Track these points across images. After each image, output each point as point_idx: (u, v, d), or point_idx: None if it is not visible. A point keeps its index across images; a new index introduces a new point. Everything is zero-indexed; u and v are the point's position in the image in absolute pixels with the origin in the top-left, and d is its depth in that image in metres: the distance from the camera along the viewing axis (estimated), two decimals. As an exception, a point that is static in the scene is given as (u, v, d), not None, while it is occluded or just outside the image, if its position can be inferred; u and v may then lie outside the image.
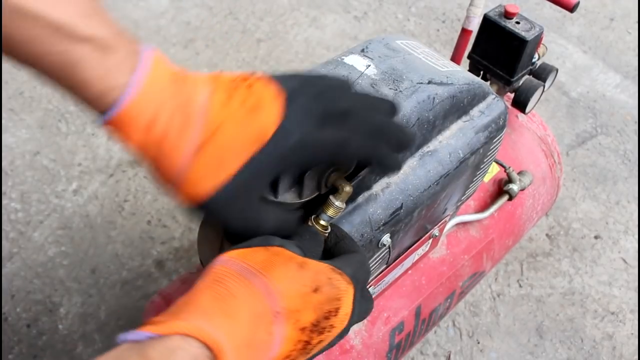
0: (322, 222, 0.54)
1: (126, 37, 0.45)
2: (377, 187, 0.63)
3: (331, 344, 0.50)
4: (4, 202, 1.50)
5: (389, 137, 0.50)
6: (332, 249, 0.55)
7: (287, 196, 0.54)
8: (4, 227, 1.45)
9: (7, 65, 1.79)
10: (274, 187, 0.53)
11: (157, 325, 0.41)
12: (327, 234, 0.55)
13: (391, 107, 0.53)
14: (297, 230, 0.53)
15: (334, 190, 0.55)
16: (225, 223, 0.50)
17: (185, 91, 0.45)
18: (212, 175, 0.46)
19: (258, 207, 0.50)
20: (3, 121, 1.66)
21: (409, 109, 0.61)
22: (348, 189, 0.54)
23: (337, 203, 0.54)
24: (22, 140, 1.63)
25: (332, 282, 0.48)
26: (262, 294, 0.44)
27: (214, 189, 0.46)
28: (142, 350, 0.39)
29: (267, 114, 0.46)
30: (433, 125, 0.66)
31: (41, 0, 0.40)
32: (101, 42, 0.42)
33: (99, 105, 0.44)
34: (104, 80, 0.42)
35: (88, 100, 0.44)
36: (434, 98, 0.64)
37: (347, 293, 0.49)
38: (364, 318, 0.53)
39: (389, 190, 0.64)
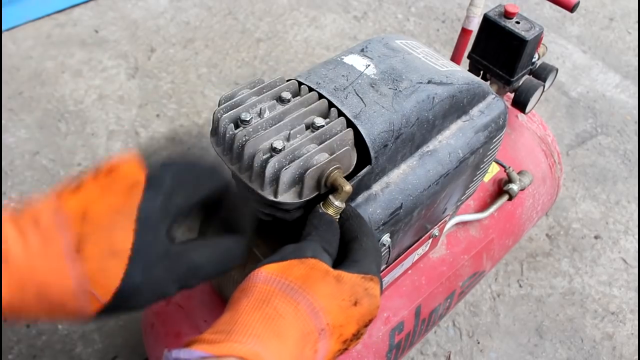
0: (333, 209, 0.54)
1: None
2: (376, 187, 0.63)
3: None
4: (3, 202, 1.50)
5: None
6: (341, 228, 0.55)
7: (287, 196, 0.54)
8: (3, 227, 1.45)
9: (7, 65, 1.79)
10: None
11: (212, 345, 0.40)
12: (338, 218, 0.55)
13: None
14: (313, 220, 0.53)
15: (334, 190, 0.55)
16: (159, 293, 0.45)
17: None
18: (110, 262, 0.42)
19: (176, 256, 0.46)
20: (3, 121, 1.66)
21: (408, 108, 0.61)
22: (348, 188, 0.54)
23: (337, 203, 0.54)
24: (22, 140, 1.63)
25: (368, 292, 0.48)
26: (308, 313, 0.45)
27: (122, 271, 0.42)
28: None
29: (126, 175, 0.44)
30: (433, 125, 0.66)
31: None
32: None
33: None
34: None
35: None
36: (433, 98, 0.64)
37: (379, 294, 0.50)
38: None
39: (389, 190, 0.63)
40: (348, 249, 0.52)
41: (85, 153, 1.62)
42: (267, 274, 0.46)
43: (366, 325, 0.49)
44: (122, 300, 0.43)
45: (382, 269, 0.76)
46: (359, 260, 0.51)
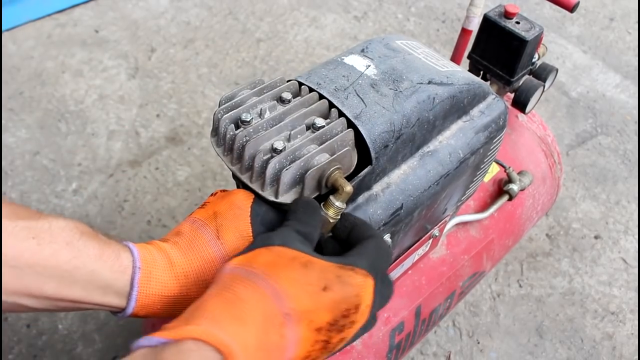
0: (333, 209, 0.54)
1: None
2: (377, 188, 0.63)
3: (355, 337, 0.51)
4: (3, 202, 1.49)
5: None
6: (347, 239, 0.55)
7: (288, 197, 0.54)
8: (3, 227, 1.45)
9: (7, 65, 1.79)
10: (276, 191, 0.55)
11: (170, 331, 0.42)
12: (337, 220, 0.55)
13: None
14: (291, 205, 0.54)
15: (334, 191, 0.55)
16: None
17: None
18: None
19: None
20: (3, 121, 1.66)
21: (409, 109, 0.61)
22: (348, 189, 0.54)
23: (338, 203, 0.54)
24: (22, 140, 1.63)
25: (342, 279, 0.48)
26: (270, 296, 0.45)
27: None
28: (156, 355, 0.40)
29: (238, 191, 0.58)
30: (433, 125, 0.66)
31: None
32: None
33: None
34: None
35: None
36: (434, 98, 0.64)
37: (364, 287, 0.49)
38: (385, 305, 0.53)
39: (389, 191, 0.64)
40: (355, 247, 0.52)
41: (86, 153, 1.62)
42: (232, 264, 0.48)
43: (345, 316, 0.48)
44: None
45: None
46: (350, 255, 0.51)
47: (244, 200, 0.55)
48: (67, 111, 1.72)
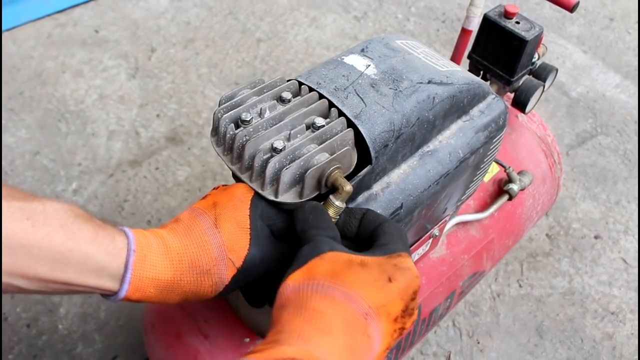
0: (333, 209, 0.54)
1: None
2: (377, 187, 0.63)
3: None
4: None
5: None
6: (359, 231, 0.56)
7: (288, 196, 0.54)
8: (3, 227, 1.45)
9: (7, 65, 1.79)
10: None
11: (264, 353, 0.42)
12: (336, 219, 0.55)
13: None
14: (298, 215, 0.54)
15: (334, 190, 0.55)
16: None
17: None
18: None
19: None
20: (3, 121, 1.66)
21: (408, 108, 0.61)
22: (348, 188, 0.54)
23: (337, 203, 0.54)
24: (22, 140, 1.63)
25: (399, 266, 0.49)
26: (346, 302, 0.46)
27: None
28: None
29: (239, 185, 0.58)
30: (433, 125, 0.66)
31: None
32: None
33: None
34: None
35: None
36: (433, 98, 0.64)
37: (412, 265, 0.51)
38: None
39: (389, 190, 0.64)
40: (373, 236, 0.53)
41: (86, 153, 1.62)
42: (294, 283, 0.48)
43: (413, 299, 0.50)
44: (248, 267, 0.54)
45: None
46: (384, 244, 0.52)
47: (245, 193, 0.55)
48: (67, 111, 1.72)
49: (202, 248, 0.53)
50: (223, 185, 0.59)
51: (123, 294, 0.51)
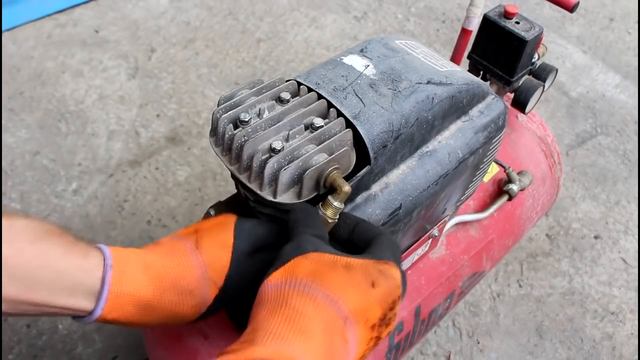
0: (332, 209, 0.54)
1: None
2: (375, 188, 0.63)
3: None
4: (4, 202, 1.50)
5: None
6: (351, 237, 0.55)
7: (286, 196, 0.54)
8: (3, 227, 1.45)
9: (7, 65, 1.79)
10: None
11: (235, 354, 0.40)
12: (335, 220, 0.55)
13: None
14: (290, 215, 0.54)
15: (333, 191, 0.55)
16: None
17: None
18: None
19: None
20: (3, 121, 1.66)
21: (407, 109, 0.61)
22: (347, 189, 0.54)
23: (336, 203, 0.54)
24: (22, 140, 1.63)
25: (383, 272, 0.48)
26: (327, 304, 0.44)
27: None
28: None
29: (223, 215, 0.60)
30: (432, 125, 0.66)
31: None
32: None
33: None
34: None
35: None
36: (433, 98, 0.64)
37: (397, 276, 0.50)
38: (405, 291, 0.54)
39: (388, 191, 0.64)
40: (365, 246, 0.53)
41: (86, 153, 1.62)
42: (274, 280, 0.47)
43: (391, 309, 0.49)
44: (230, 285, 0.53)
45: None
46: (374, 251, 0.51)
47: (228, 218, 0.56)
48: (67, 111, 1.72)
49: (183, 268, 0.51)
50: (206, 218, 0.60)
51: (99, 312, 0.48)
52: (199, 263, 0.52)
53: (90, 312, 0.49)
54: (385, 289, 0.48)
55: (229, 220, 0.55)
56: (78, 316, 0.50)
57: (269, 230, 0.57)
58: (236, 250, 0.53)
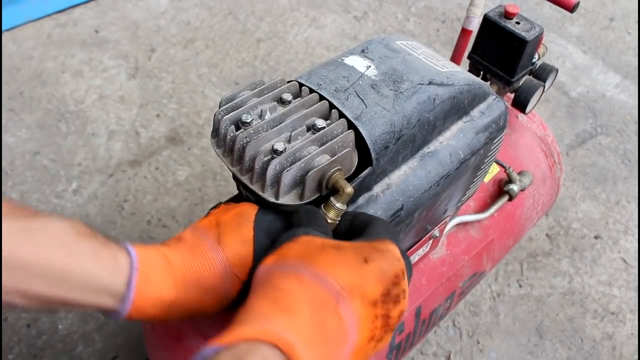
0: (334, 211, 0.54)
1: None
2: (377, 189, 0.63)
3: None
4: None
5: None
6: (350, 229, 0.55)
7: (288, 198, 0.54)
8: (4, 227, 1.45)
9: (7, 65, 1.79)
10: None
11: (222, 338, 0.40)
12: (337, 221, 0.55)
13: None
14: (294, 216, 0.54)
15: (335, 192, 0.55)
16: None
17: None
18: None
19: None
20: (3, 121, 1.66)
21: (409, 110, 0.61)
22: (349, 190, 0.54)
23: (338, 205, 0.54)
24: (22, 140, 1.63)
25: (377, 248, 0.47)
26: (314, 281, 0.44)
27: None
28: None
29: (243, 204, 0.58)
30: (433, 126, 0.66)
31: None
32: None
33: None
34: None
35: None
36: (434, 99, 0.64)
37: (394, 250, 0.49)
38: (411, 275, 0.52)
39: (390, 192, 0.64)
40: (362, 232, 0.52)
41: (86, 153, 1.62)
42: (266, 264, 0.47)
43: (395, 284, 0.47)
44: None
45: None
46: (369, 234, 0.51)
47: (249, 209, 0.56)
48: (67, 111, 1.72)
49: (206, 265, 0.52)
50: (225, 205, 0.59)
51: (125, 313, 0.50)
52: (221, 259, 0.53)
53: (118, 312, 0.51)
54: (381, 263, 0.47)
55: (249, 212, 0.55)
56: (107, 313, 0.52)
57: (288, 224, 0.57)
58: (257, 245, 0.54)
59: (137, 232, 1.48)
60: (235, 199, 0.69)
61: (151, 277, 0.51)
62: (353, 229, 0.55)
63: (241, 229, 0.54)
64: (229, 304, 0.55)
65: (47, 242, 0.46)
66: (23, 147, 1.62)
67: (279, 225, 0.57)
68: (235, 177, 0.57)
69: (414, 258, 0.88)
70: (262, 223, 0.55)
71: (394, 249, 0.49)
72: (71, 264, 0.47)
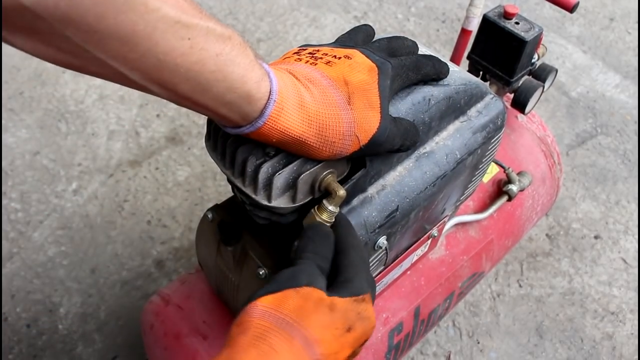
0: (327, 213, 0.54)
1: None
2: (372, 190, 0.63)
3: None
4: (4, 202, 1.50)
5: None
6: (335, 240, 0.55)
7: (281, 201, 0.54)
8: (4, 227, 1.45)
9: (7, 65, 1.79)
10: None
11: None
12: (332, 222, 0.55)
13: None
14: (308, 232, 0.54)
15: (328, 194, 0.54)
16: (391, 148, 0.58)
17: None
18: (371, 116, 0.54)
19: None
20: (3, 121, 1.67)
21: (403, 110, 0.61)
22: (342, 193, 0.54)
23: (331, 207, 0.54)
24: (22, 140, 1.64)
25: (361, 315, 0.50)
26: (302, 346, 0.46)
27: (379, 120, 0.55)
28: None
29: (363, 61, 0.57)
30: (429, 126, 0.66)
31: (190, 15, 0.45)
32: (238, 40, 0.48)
33: (247, 105, 0.50)
34: (250, 80, 0.49)
35: (233, 102, 0.49)
36: (429, 99, 0.64)
37: (372, 314, 0.52)
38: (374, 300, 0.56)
39: (384, 193, 0.63)
40: (337, 262, 0.53)
41: (86, 153, 1.62)
42: (262, 308, 0.48)
43: (362, 345, 0.51)
44: (372, 146, 0.55)
45: (380, 271, 0.76)
46: (349, 279, 0.52)
47: (371, 75, 0.56)
48: (67, 111, 1.72)
49: (333, 120, 0.53)
50: (344, 54, 0.58)
51: (246, 131, 0.51)
52: (348, 119, 0.53)
53: (239, 126, 0.51)
54: (360, 332, 0.50)
55: (372, 79, 0.56)
56: (225, 124, 0.52)
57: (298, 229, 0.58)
58: (384, 113, 0.55)
59: (137, 232, 1.48)
60: (231, 201, 0.69)
61: (284, 112, 0.51)
62: (336, 243, 0.55)
63: (369, 95, 0.54)
64: (339, 160, 0.56)
65: (203, 47, 0.46)
66: (23, 147, 1.62)
67: (397, 86, 0.60)
68: (229, 180, 0.57)
69: (413, 258, 0.88)
70: (384, 89, 0.56)
71: (372, 314, 0.52)
72: (218, 76, 0.47)
